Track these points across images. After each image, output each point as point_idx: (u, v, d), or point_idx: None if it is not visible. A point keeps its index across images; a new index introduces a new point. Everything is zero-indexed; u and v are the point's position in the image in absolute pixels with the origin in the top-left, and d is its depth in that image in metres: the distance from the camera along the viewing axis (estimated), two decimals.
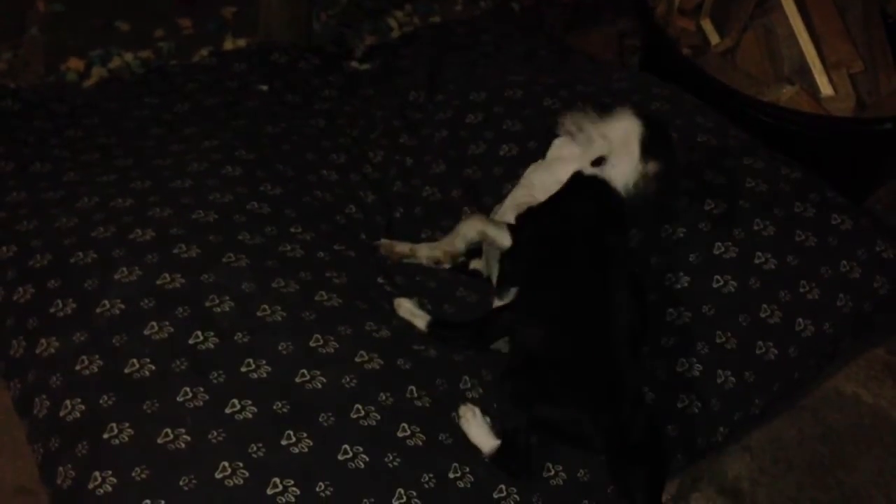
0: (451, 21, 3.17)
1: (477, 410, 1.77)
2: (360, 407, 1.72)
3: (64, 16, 3.00)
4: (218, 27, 3.07)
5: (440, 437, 1.73)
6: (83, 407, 1.66)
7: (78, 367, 1.71)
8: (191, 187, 2.10)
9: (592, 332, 1.75)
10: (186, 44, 2.97)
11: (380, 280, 2.04)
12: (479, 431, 1.75)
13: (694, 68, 2.77)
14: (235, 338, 1.77)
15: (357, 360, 1.79)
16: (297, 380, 1.73)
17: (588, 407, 1.68)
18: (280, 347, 1.77)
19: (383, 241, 2.15)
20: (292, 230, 2.05)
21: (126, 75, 2.77)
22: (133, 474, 1.55)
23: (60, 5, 3.00)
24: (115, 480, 1.55)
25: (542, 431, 1.74)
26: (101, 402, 1.66)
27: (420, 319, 1.91)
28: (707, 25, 2.96)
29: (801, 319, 2.05)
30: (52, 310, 1.82)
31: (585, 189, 1.91)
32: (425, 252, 2.11)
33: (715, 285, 2.07)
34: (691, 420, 1.92)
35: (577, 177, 1.92)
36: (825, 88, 2.72)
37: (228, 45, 3.00)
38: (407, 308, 1.93)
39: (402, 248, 2.13)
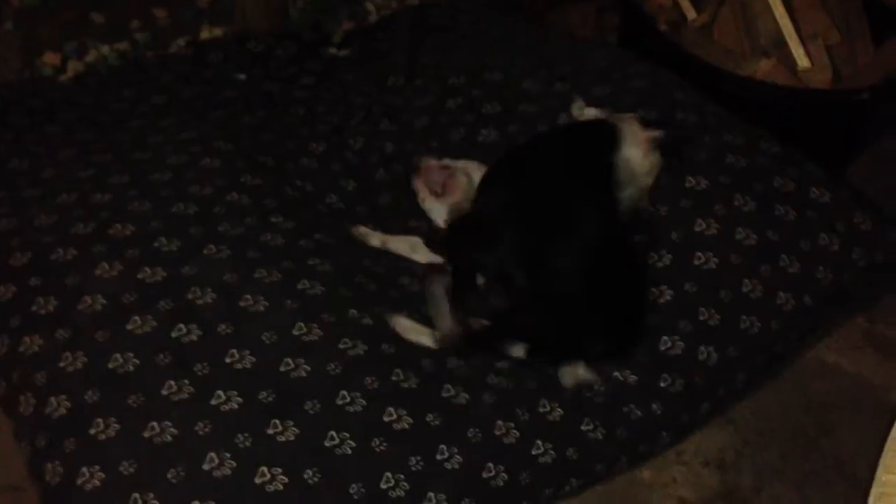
0: (429, 3, 3.15)
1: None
2: (345, 393, 1.73)
3: (38, 9, 2.97)
4: (194, 16, 3.04)
5: (427, 419, 1.75)
6: (69, 403, 1.67)
7: (62, 364, 1.72)
8: (170, 180, 2.10)
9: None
10: (162, 34, 2.94)
11: (366, 262, 2.06)
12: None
13: (672, 44, 2.77)
14: (219, 329, 1.78)
15: (341, 346, 1.80)
16: (282, 369, 1.74)
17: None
18: (263, 337, 1.78)
19: (360, 228, 2.16)
20: (273, 220, 2.05)
21: (103, 68, 2.74)
22: (121, 469, 1.57)
23: None
24: (103, 475, 1.56)
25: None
26: (86, 397, 1.67)
27: (426, 337, 1.91)
28: (683, 1, 2.95)
29: (782, 293, 2.06)
30: (33, 308, 1.82)
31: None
32: (400, 247, 2.14)
33: (696, 262, 2.07)
34: (675, 398, 1.93)
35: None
36: (802, 60, 2.72)
37: (205, 34, 2.97)
38: (407, 327, 1.92)
39: (375, 240, 2.14)
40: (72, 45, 2.82)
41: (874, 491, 1.17)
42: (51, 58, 2.79)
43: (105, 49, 2.84)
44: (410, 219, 2.25)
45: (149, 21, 2.97)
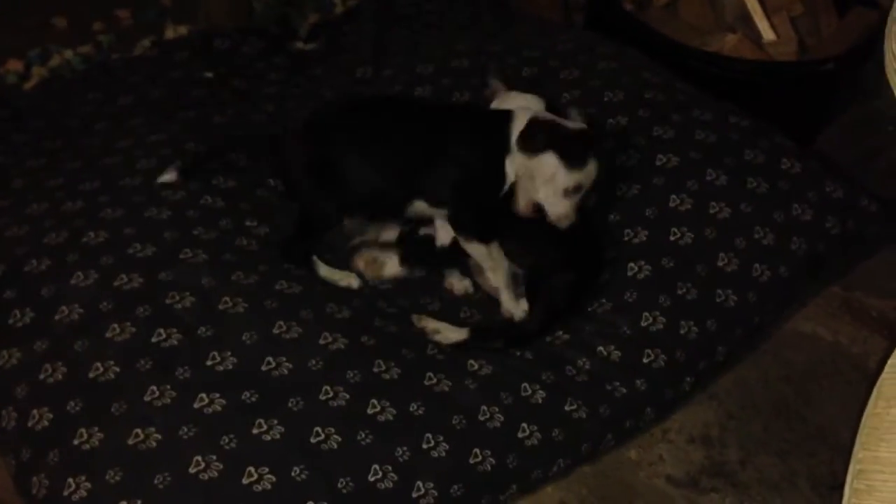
0: None
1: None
2: (328, 388, 1.73)
3: None
4: (157, 15, 3.01)
5: (411, 409, 1.76)
6: (51, 415, 1.66)
7: (42, 376, 1.71)
8: (141, 184, 2.08)
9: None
10: (126, 35, 2.91)
11: None
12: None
13: (638, 23, 2.77)
14: (198, 332, 1.78)
15: (321, 342, 1.81)
16: (264, 368, 1.74)
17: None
18: (244, 338, 1.78)
19: None
20: (247, 223, 2.05)
21: (67, 73, 2.71)
22: (107, 477, 1.56)
23: None
24: (89, 485, 1.56)
25: None
26: (68, 408, 1.66)
27: (456, 333, 1.92)
28: None
29: (757, 265, 2.08)
30: (10, 321, 1.80)
31: None
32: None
33: (672, 238, 2.09)
34: (658, 374, 1.94)
35: None
36: (767, 33, 2.74)
37: (170, 33, 2.94)
38: (435, 328, 1.93)
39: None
40: (35, 52, 2.79)
41: (852, 468, 1.18)
42: (14, 65, 2.75)
43: (69, 53, 2.81)
44: None
45: (112, 23, 2.95)
